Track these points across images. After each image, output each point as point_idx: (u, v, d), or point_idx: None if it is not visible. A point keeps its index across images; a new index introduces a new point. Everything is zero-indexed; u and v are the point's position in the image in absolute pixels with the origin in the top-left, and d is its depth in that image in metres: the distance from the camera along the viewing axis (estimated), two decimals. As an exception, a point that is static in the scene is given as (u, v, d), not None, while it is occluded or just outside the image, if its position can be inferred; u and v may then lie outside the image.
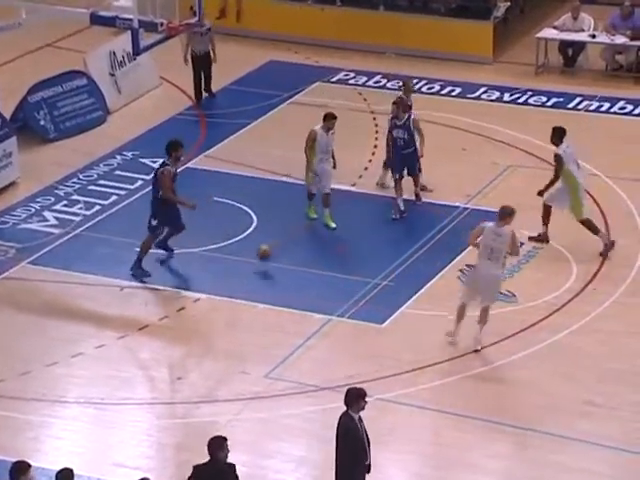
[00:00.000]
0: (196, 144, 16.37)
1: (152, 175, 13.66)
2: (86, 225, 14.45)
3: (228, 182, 15.36)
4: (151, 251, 13.60)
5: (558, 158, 13.43)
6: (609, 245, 13.40)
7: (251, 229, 14.23)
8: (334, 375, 11.60)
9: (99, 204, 14.92)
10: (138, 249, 13.29)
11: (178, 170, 13.66)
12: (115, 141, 16.46)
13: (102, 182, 15.45)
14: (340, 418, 9.23)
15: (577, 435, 10.84)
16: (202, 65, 17.25)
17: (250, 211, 14.57)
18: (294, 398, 11.38)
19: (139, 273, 13.28)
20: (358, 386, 9.46)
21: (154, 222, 13.34)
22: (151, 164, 15.76)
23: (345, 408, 9.23)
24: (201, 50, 17.13)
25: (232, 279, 13.27)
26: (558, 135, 13.59)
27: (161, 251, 13.66)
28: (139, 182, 15.41)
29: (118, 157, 16.07)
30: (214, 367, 11.99)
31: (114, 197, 15.06)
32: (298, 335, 12.27)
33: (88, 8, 14.12)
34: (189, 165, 15.87)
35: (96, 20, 14.14)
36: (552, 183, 13.50)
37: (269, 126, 16.75)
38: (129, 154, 16.14)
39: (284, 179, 15.11)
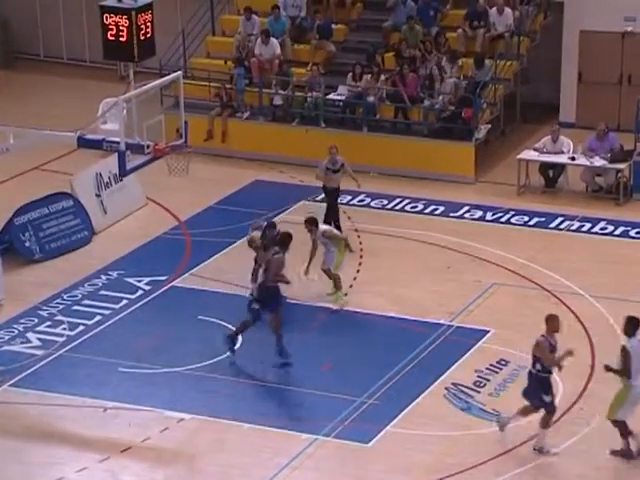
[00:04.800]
0: (182, 263, 16.53)
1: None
2: (70, 346, 14.44)
3: (214, 300, 15.46)
4: (138, 371, 13.59)
5: (625, 352, 11.88)
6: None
7: (236, 348, 14.24)
8: None
9: (83, 324, 14.95)
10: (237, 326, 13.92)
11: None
12: (100, 261, 16.61)
13: (86, 302, 15.51)
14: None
15: None
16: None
17: (235, 329, 14.62)
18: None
19: (229, 343, 13.87)
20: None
21: (255, 306, 13.72)
22: (136, 283, 15.88)
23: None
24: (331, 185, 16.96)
25: (217, 398, 13.25)
26: (632, 325, 11.98)
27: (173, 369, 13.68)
28: (124, 301, 15.48)
29: (103, 277, 16.19)
30: (198, 489, 11.89)
31: (98, 317, 15.11)
32: (283, 455, 12.20)
33: (75, 131, 14.41)
34: (174, 284, 15.98)
35: (83, 143, 14.42)
36: (619, 374, 12.04)
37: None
38: (114, 273, 16.26)
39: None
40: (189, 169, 14.87)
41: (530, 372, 12.22)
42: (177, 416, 12.94)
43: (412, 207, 18.28)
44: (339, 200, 17.24)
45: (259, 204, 18.01)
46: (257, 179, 19.14)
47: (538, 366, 12.12)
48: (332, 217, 16.81)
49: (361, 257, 16.35)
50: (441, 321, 14.72)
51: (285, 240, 14.07)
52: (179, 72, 15.19)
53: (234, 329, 14.08)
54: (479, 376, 13.55)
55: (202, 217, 17.96)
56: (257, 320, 13.92)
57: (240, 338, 14.07)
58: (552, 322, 12.15)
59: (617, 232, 17.21)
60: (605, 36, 20.24)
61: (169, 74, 15.57)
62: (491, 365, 13.75)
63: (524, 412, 12.38)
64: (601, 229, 17.33)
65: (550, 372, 12.14)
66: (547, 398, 12.09)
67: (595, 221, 17.49)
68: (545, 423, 12.18)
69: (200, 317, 14.96)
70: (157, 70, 19.23)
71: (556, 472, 11.90)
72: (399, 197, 18.39)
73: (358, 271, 16.02)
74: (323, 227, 15.36)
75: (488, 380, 13.48)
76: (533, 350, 12.12)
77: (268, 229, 14.60)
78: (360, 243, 16.76)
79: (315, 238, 15.12)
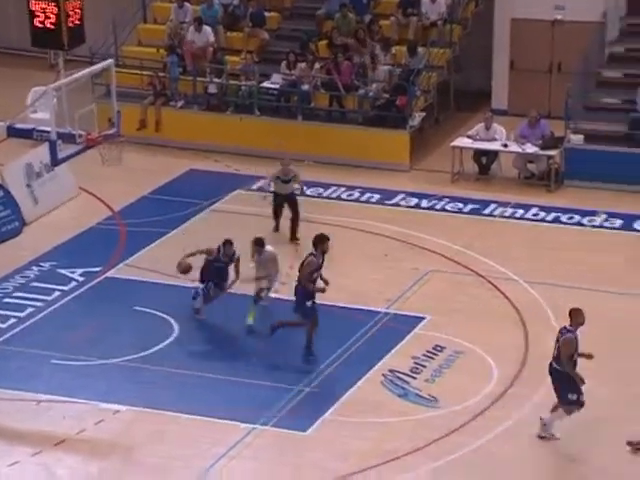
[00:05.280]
0: (116, 253, 16.36)
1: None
2: (1, 338, 14.20)
3: (149, 291, 15.33)
4: (71, 363, 13.42)
5: None
6: None
7: (172, 338, 14.17)
8: None
9: (15, 317, 14.71)
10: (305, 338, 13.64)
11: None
12: (32, 252, 16.35)
13: (18, 294, 15.27)
14: None
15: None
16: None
17: (171, 320, 14.52)
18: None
19: (309, 354, 13.68)
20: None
21: (309, 303, 13.56)
22: (69, 274, 15.68)
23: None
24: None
25: (154, 390, 13.14)
26: None
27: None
28: (57, 293, 15.28)
29: (35, 268, 15.95)
30: (135, 482, 11.78)
31: (30, 309, 14.89)
32: (221, 445, 12.14)
33: (5, 121, 14.16)
34: (109, 274, 15.81)
35: (13, 132, 14.18)
36: None
37: (190, 234, 16.84)
38: (46, 265, 16.04)
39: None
40: (122, 159, 14.71)
41: (556, 369, 11.86)
42: (113, 408, 12.81)
43: (348, 195, 18.32)
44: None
45: (194, 193, 17.90)
46: (191, 168, 19.02)
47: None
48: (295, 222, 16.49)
49: (297, 245, 16.32)
50: (378, 308, 14.78)
51: (318, 241, 13.60)
52: (110, 60, 15.03)
53: (307, 342, 13.68)
54: (415, 362, 13.62)
55: (136, 207, 17.79)
56: (310, 318, 13.61)
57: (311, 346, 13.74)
58: (577, 316, 11.82)
59: (549, 218, 17.42)
60: (536, 24, 20.43)
61: (100, 62, 15.38)
62: (427, 351, 13.83)
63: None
64: (534, 215, 17.52)
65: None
66: (572, 396, 11.87)
67: (528, 207, 17.68)
68: (569, 412, 11.91)
69: (136, 308, 14.83)
70: (88, 58, 18.97)
71: (491, 456, 12.00)
72: (335, 185, 18.40)
73: (295, 261, 16.02)
74: (270, 249, 14.58)
75: (424, 366, 13.56)
76: (562, 347, 11.77)
77: (225, 245, 14.23)
78: (298, 232, 16.70)
79: (259, 259, 14.39)
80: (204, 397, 13.04)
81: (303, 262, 13.75)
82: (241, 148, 19.24)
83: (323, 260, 13.81)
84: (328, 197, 18.12)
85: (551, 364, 12.04)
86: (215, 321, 14.40)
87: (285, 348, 13.90)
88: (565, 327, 11.98)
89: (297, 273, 13.85)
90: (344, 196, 18.28)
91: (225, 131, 19.60)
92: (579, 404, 11.97)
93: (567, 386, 11.94)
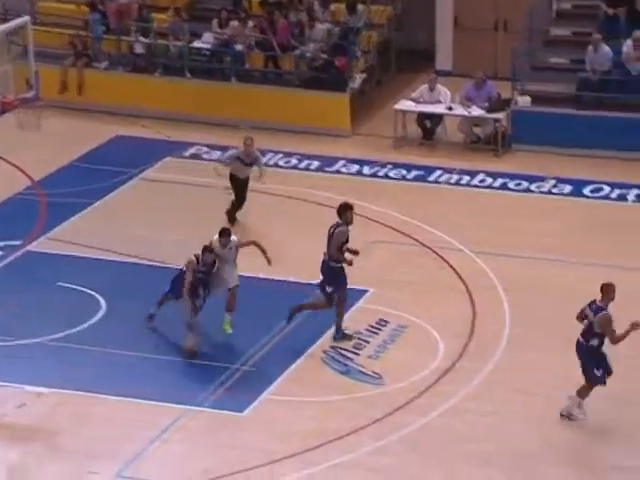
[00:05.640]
0: (37, 226, 16.19)
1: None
2: None
3: (73, 265, 15.21)
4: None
5: None
6: None
7: (99, 315, 14.11)
8: (191, 470, 11.49)
9: None
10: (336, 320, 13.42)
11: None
12: (-54, 225, 16.19)
13: None
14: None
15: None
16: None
17: (98, 296, 14.44)
18: (150, 498, 11.24)
19: (341, 336, 13.50)
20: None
21: (329, 289, 13.39)
22: (-12, 247, 15.52)
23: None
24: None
25: (80, 370, 13.07)
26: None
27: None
28: (-26, 267, 15.14)
29: (-51, 242, 15.80)
30: (58, 468, 11.68)
31: (-54, 285, 14.76)
32: (153, 428, 12.13)
33: None
34: (29, 248, 15.67)
35: None
36: None
37: (117, 204, 16.73)
38: (-38, 237, 15.88)
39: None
40: (41, 124, 14.54)
41: (584, 345, 11.87)
42: (36, 390, 12.72)
43: (285, 162, 18.32)
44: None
45: (121, 161, 17.76)
46: (118, 134, 18.85)
47: (595, 341, 11.88)
48: (237, 208, 16.05)
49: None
50: (318, 281, 14.82)
51: (342, 210, 13.34)
52: (26, 17, 14.81)
53: (336, 330, 13.58)
54: (358, 338, 13.70)
55: (58, 176, 17.60)
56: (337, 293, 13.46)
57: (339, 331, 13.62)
58: (610, 291, 11.82)
59: (496, 185, 17.58)
60: (480, -21, 20.57)
61: (14, 19, 15.15)
62: (370, 326, 13.92)
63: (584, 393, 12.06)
64: (480, 182, 17.67)
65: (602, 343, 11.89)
66: (598, 372, 11.96)
67: (474, 174, 17.83)
68: (584, 392, 12.07)
69: (59, 284, 14.72)
70: (1, 15, 18.68)
71: (437, 434, 12.14)
72: (271, 151, 18.33)
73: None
74: (235, 238, 13.77)
75: (367, 342, 13.64)
76: (596, 326, 11.80)
77: (204, 253, 13.45)
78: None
79: (224, 251, 13.55)
80: (134, 378, 13.00)
81: (330, 234, 13.47)
82: (172, 113, 19.09)
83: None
84: (265, 164, 17.87)
85: (579, 341, 12.04)
86: (145, 297, 14.35)
87: (219, 324, 13.90)
88: (595, 303, 11.96)
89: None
90: (281, 163, 18.27)
91: (154, 94, 19.45)
92: (603, 381, 12.04)
93: (594, 363, 11.99)
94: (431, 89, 18.92)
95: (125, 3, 20.26)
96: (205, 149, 18.46)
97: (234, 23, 19.79)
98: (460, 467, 11.60)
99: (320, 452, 11.81)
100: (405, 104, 18.93)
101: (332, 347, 13.53)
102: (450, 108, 18.71)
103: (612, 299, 11.95)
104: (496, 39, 20.73)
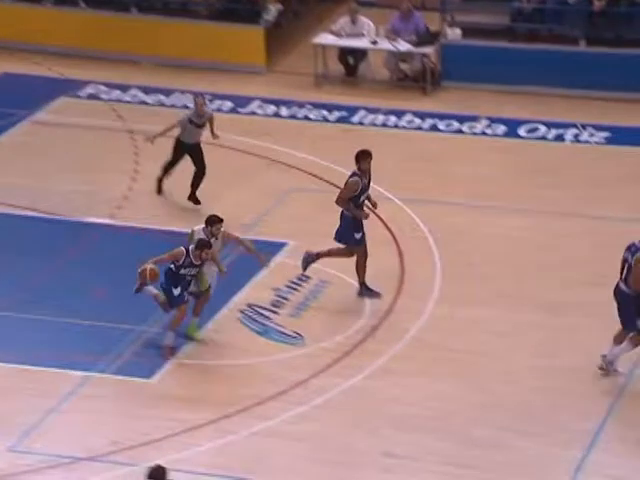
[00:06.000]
0: None
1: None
2: None
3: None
4: None
5: None
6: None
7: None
8: (95, 443, 11.34)
9: None
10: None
11: None
12: None
13: None
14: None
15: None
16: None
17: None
18: (47, 474, 11.06)
19: (369, 294, 13.39)
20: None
21: (357, 235, 13.23)
22: None
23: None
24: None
25: (-35, 335, 12.85)
26: None
27: None
28: None
29: None
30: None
31: None
32: (50, 397, 11.95)
33: None
34: None
35: None
36: None
37: (5, 150, 16.49)
38: None
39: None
40: None
41: (622, 291, 11.77)
42: None
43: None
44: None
45: (9, 102, 17.49)
46: (5, 72, 18.57)
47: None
48: (200, 180, 14.93)
49: (137, 164, 16.03)
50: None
51: (360, 157, 13.18)
52: None
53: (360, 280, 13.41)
54: (277, 295, 13.62)
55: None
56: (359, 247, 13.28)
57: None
58: None
59: (425, 126, 17.58)
60: None
61: None
62: (290, 282, 13.83)
63: (619, 339, 11.94)
64: (408, 122, 17.65)
65: None
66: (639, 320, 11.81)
67: (401, 114, 17.77)
68: (636, 343, 11.90)
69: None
70: None
71: (363, 397, 12.08)
72: (178, 91, 18.10)
73: (134, 180, 15.70)
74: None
75: (287, 299, 13.56)
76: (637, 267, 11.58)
77: (202, 249, 12.39)
78: (135, 147, 16.40)
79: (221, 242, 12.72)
80: (27, 341, 12.77)
81: (345, 183, 13.27)
82: (65, 48, 18.78)
83: (369, 180, 13.31)
84: (171, 106, 17.82)
85: (618, 285, 11.93)
86: (41, 248, 13.99)
87: (125, 280, 13.52)
88: (635, 244, 11.84)
89: None
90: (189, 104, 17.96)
91: (45, 27, 19.06)
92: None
93: (636, 311, 11.87)
94: (353, 21, 18.74)
95: None
96: (103, 88, 18.21)
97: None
98: (388, 432, 11.59)
99: (237, 420, 11.72)
100: (325, 38, 18.77)
101: (249, 305, 13.35)
102: (374, 42, 18.56)
103: None
104: (423, -34, 20.52)
